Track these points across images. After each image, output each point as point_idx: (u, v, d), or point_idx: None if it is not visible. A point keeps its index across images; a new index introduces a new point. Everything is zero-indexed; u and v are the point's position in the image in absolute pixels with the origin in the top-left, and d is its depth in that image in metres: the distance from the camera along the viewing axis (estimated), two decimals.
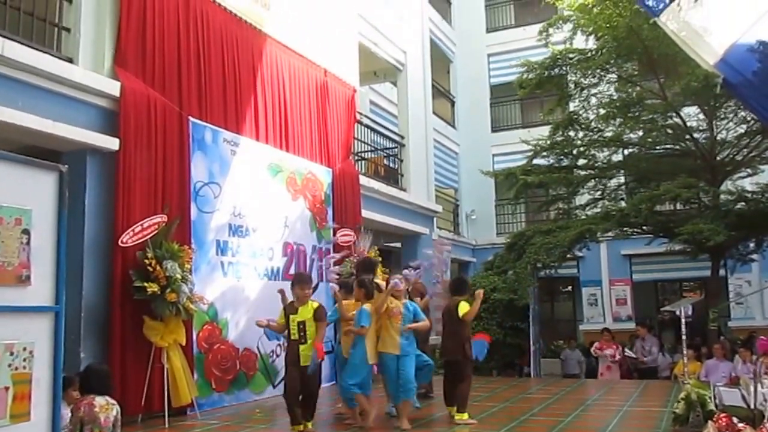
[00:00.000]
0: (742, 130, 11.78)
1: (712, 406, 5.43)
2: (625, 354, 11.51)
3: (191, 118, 7.49)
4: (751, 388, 5.08)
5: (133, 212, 6.57)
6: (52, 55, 6.31)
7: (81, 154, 6.40)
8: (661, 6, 6.22)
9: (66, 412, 4.31)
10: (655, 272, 16.68)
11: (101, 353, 6.30)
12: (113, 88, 6.63)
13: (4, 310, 2.87)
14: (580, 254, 14.65)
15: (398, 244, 13.76)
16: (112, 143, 6.55)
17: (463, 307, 6.54)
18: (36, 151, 5.87)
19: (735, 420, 4.76)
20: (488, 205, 18.92)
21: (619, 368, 11.51)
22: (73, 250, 5.97)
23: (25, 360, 2.91)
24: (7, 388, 2.81)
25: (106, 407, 4.51)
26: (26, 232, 3.00)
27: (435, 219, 15.00)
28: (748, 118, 11.34)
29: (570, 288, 18.60)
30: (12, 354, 2.86)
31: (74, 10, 6.70)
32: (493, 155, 18.73)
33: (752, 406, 5.00)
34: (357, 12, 11.72)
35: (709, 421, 4.96)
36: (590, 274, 17.02)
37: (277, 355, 8.36)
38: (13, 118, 5.69)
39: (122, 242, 6.30)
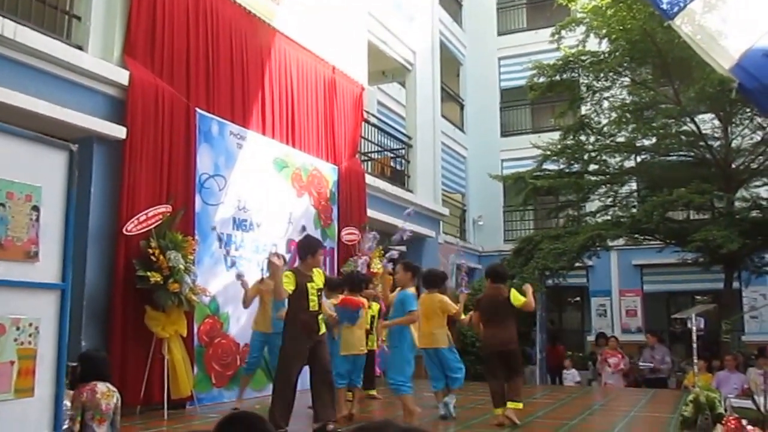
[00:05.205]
0: (758, 138, 11.52)
1: (721, 410, 5.34)
2: (640, 365, 11.27)
3: (198, 110, 7.46)
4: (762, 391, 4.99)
5: (138, 201, 6.54)
6: (62, 42, 6.30)
7: (88, 141, 6.35)
8: (676, 9, 6.16)
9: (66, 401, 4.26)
10: (667, 283, 16.03)
11: (102, 342, 6.25)
12: (122, 76, 6.61)
13: (12, 285, 2.87)
14: (590, 263, 14.24)
15: (403, 248, 13.63)
16: (119, 131, 6.53)
17: (517, 297, 6.29)
18: None
19: (744, 422, 4.68)
20: (496, 211, 18.46)
21: (626, 378, 11.28)
22: (77, 237, 5.88)
23: (30, 335, 2.90)
24: (12, 362, 2.81)
25: (107, 394, 4.47)
26: (36, 208, 3.00)
27: (441, 222, 14.87)
28: (764, 125, 11.14)
29: (579, 298, 18.09)
30: (18, 329, 2.85)
31: None
32: (502, 160, 18.28)
33: (762, 409, 4.92)
34: (367, 10, 11.67)
35: (719, 424, 4.88)
36: (600, 284, 16.47)
37: None
38: (23, 102, 5.69)
39: (126, 231, 6.27)
